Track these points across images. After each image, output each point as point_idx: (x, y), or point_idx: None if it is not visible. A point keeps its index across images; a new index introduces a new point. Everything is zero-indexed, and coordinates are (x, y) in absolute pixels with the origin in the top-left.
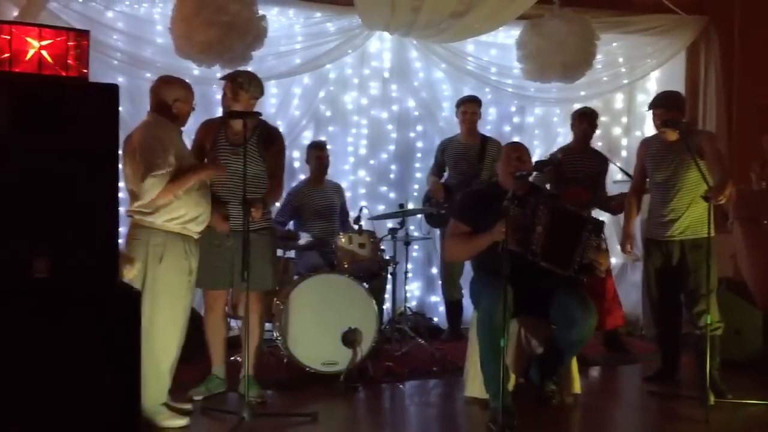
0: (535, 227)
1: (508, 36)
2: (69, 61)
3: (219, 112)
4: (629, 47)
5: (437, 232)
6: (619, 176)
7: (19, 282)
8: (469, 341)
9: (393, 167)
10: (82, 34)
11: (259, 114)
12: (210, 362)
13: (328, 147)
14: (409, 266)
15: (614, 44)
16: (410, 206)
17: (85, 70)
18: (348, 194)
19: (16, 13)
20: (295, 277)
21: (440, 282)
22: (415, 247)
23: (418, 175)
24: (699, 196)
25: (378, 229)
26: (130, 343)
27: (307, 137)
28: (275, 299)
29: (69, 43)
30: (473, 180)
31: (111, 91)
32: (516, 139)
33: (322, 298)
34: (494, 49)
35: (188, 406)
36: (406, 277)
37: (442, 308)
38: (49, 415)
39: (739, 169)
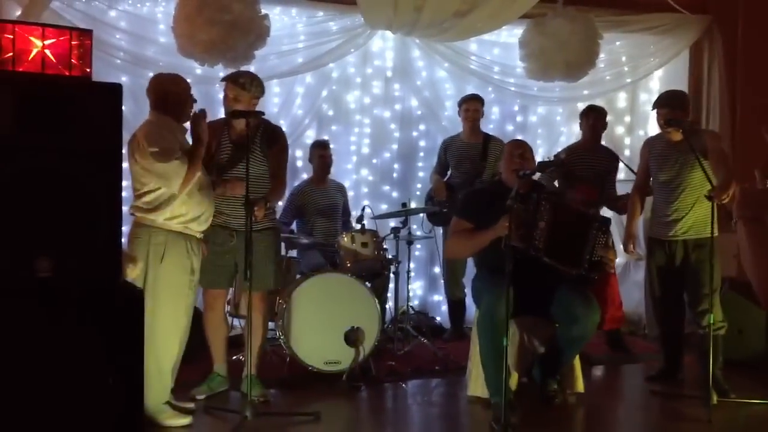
0: (538, 223)
1: (511, 35)
2: (72, 61)
3: (222, 111)
4: (632, 46)
5: (440, 230)
6: (622, 175)
7: (22, 281)
8: (472, 340)
9: (396, 166)
10: (85, 34)
11: (262, 113)
12: (211, 361)
13: (331, 146)
14: (412, 265)
15: (617, 43)
16: (413, 205)
17: (88, 70)
18: (351, 193)
19: (19, 13)
20: (298, 276)
21: (443, 281)
22: (418, 246)
23: (421, 174)
24: (703, 196)
25: (381, 228)
26: (132, 343)
27: (310, 136)
28: (278, 298)
29: (72, 43)
30: (476, 179)
31: (114, 91)
32: (519, 138)
33: (325, 297)
34: (497, 48)
35: (191, 405)
36: (408, 276)
37: (444, 307)
38: (52, 414)
39: (742, 168)
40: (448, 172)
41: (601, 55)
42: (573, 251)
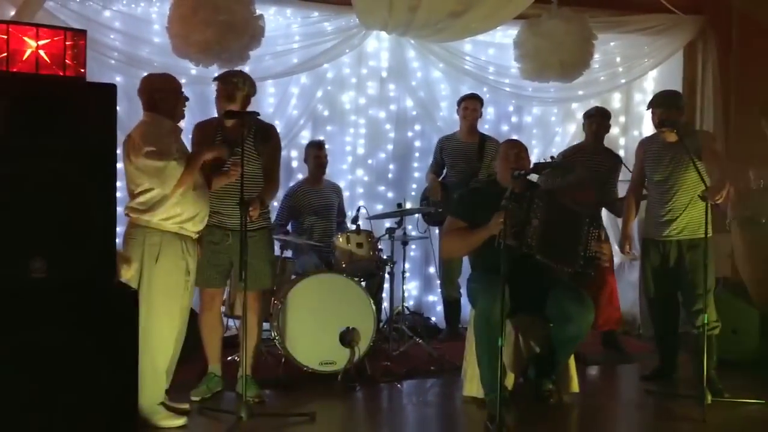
0: (531, 221)
1: (506, 35)
2: (66, 61)
3: (215, 111)
4: (627, 47)
5: (435, 231)
6: (621, 176)
7: (16, 282)
8: (467, 340)
9: (391, 167)
10: (80, 34)
11: (258, 114)
12: (206, 361)
13: (326, 146)
14: (407, 265)
15: (612, 44)
16: (408, 206)
17: (83, 70)
18: (346, 194)
19: (12, 13)
20: (293, 277)
21: (438, 281)
22: (413, 246)
23: (416, 174)
24: (697, 196)
25: (376, 229)
26: (127, 343)
27: (305, 137)
28: (273, 299)
29: (66, 43)
30: (471, 178)
31: (108, 91)
32: (514, 138)
33: (320, 297)
34: (492, 49)
35: (185, 406)
36: (403, 277)
37: (439, 307)
38: (47, 415)
39: (736, 168)
40: (444, 171)
41: (596, 56)
42: (567, 249)
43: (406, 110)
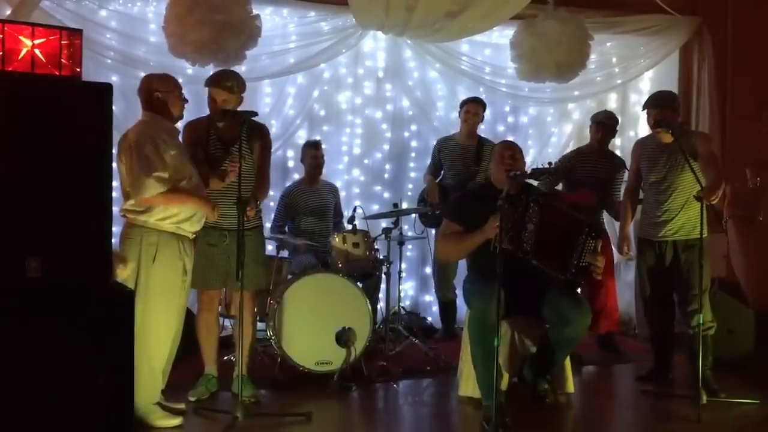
0: (526, 225)
1: (502, 36)
2: (62, 60)
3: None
4: (623, 47)
5: (432, 231)
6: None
7: (12, 282)
8: (463, 341)
9: (387, 167)
10: (75, 33)
11: (255, 113)
12: (202, 362)
13: (323, 146)
14: (403, 266)
15: (608, 44)
16: (404, 206)
17: (78, 69)
18: (342, 194)
19: (8, 12)
20: (289, 277)
21: (434, 282)
22: (409, 246)
23: (413, 174)
24: (692, 196)
25: (372, 229)
26: (123, 343)
27: (302, 136)
28: (269, 299)
29: (62, 42)
30: (469, 181)
31: (104, 90)
32: (510, 138)
33: (316, 297)
34: (488, 49)
35: (181, 406)
36: (400, 277)
37: (435, 308)
38: (42, 414)
39: (732, 169)
40: (441, 173)
41: (592, 56)
42: (561, 255)
43: (403, 110)
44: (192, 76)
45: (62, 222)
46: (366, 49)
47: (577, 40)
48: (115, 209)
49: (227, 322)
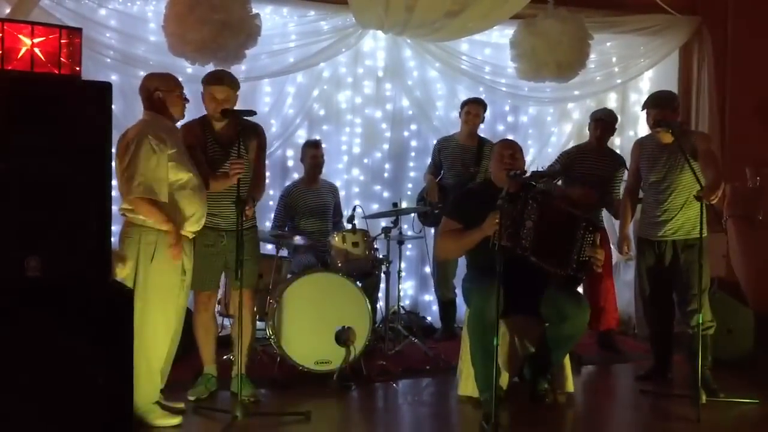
0: (525, 222)
1: (502, 35)
2: (61, 59)
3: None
4: (623, 47)
5: (431, 231)
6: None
7: (11, 281)
8: (462, 340)
9: (387, 166)
10: (75, 32)
11: (254, 113)
12: (201, 361)
13: (323, 146)
14: (403, 265)
15: (608, 44)
16: (404, 205)
17: (78, 68)
18: (342, 193)
19: (8, 10)
20: (289, 276)
21: (433, 281)
22: (409, 246)
23: (412, 174)
24: (692, 196)
25: (372, 228)
26: (122, 342)
27: (301, 136)
28: (269, 298)
29: (61, 41)
30: (469, 181)
31: (104, 89)
32: (510, 137)
33: (316, 296)
34: (488, 49)
35: (181, 405)
36: (399, 276)
37: (435, 307)
38: (42, 413)
39: (732, 168)
40: (441, 172)
41: (592, 56)
42: (560, 251)
43: (402, 110)
44: (192, 75)
45: (61, 221)
46: (366, 49)
47: (577, 39)
48: (115, 208)
49: (227, 322)
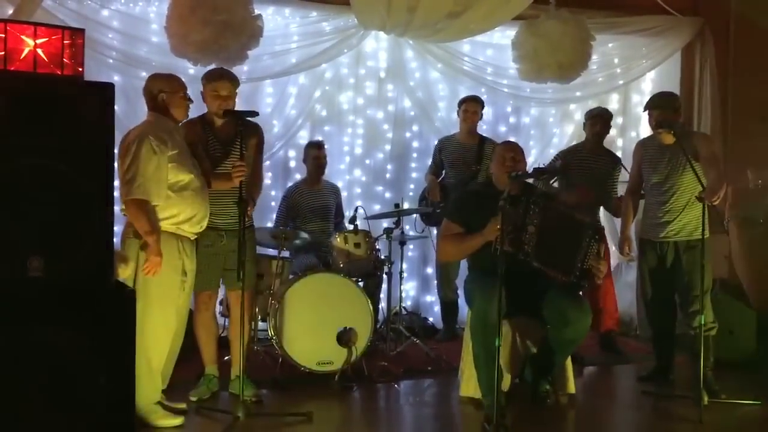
0: (527, 227)
1: (504, 36)
2: (64, 60)
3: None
4: (625, 48)
5: (434, 231)
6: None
7: (14, 281)
8: (464, 341)
9: (389, 167)
10: (78, 33)
11: (257, 113)
12: (202, 362)
13: (326, 147)
14: (405, 266)
15: (610, 45)
16: (406, 206)
17: (81, 69)
18: (344, 194)
19: (11, 11)
20: (291, 276)
21: (435, 282)
22: (411, 246)
23: (414, 174)
24: (694, 197)
25: (373, 229)
26: (124, 342)
27: (303, 137)
28: (270, 298)
29: (64, 42)
30: (470, 180)
31: (106, 90)
32: (512, 139)
33: (318, 297)
34: (490, 50)
35: (183, 406)
36: (401, 277)
37: (437, 308)
38: (44, 414)
39: (734, 170)
40: (443, 173)
41: (594, 57)
42: (564, 257)
43: (404, 110)
44: (194, 75)
45: (64, 222)
46: (368, 50)
47: (579, 40)
48: (117, 209)
49: (228, 322)
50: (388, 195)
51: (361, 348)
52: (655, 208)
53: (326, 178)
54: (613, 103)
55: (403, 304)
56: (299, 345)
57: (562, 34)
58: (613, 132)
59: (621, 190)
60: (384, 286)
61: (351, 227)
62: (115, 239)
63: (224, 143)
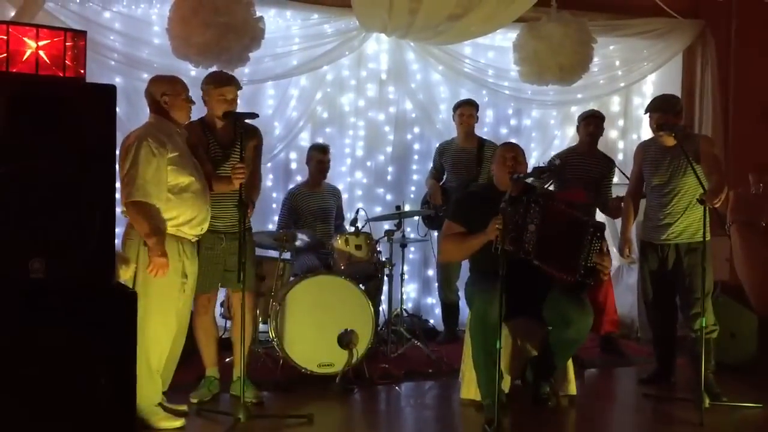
0: (527, 225)
1: (506, 38)
2: (66, 62)
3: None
4: (626, 50)
5: (434, 234)
6: (616, 179)
7: (16, 283)
8: (465, 343)
9: (390, 169)
10: (79, 35)
11: (257, 115)
12: (203, 364)
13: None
14: (406, 268)
15: (611, 47)
16: (407, 208)
17: (82, 71)
18: (345, 196)
19: (13, 13)
20: (292, 279)
21: (437, 284)
22: (412, 248)
23: (415, 177)
24: (695, 200)
25: (375, 231)
26: (125, 344)
27: (304, 139)
28: (271, 300)
29: (66, 44)
30: (471, 184)
31: (108, 92)
32: (513, 141)
33: (319, 299)
34: (491, 52)
35: (183, 407)
36: (402, 279)
37: (438, 310)
38: (45, 415)
39: (736, 173)
40: (444, 177)
41: (595, 59)
42: (567, 256)
43: (406, 113)
44: (195, 78)
45: (65, 223)
46: (369, 52)
47: (580, 43)
48: (118, 210)
49: (229, 324)
50: (389, 197)
51: (362, 350)
52: (656, 211)
53: (327, 181)
54: (614, 106)
55: (404, 307)
56: (300, 347)
57: (564, 37)
58: (614, 134)
59: (614, 192)
60: (385, 288)
61: (352, 229)
62: (116, 241)
63: (224, 146)
